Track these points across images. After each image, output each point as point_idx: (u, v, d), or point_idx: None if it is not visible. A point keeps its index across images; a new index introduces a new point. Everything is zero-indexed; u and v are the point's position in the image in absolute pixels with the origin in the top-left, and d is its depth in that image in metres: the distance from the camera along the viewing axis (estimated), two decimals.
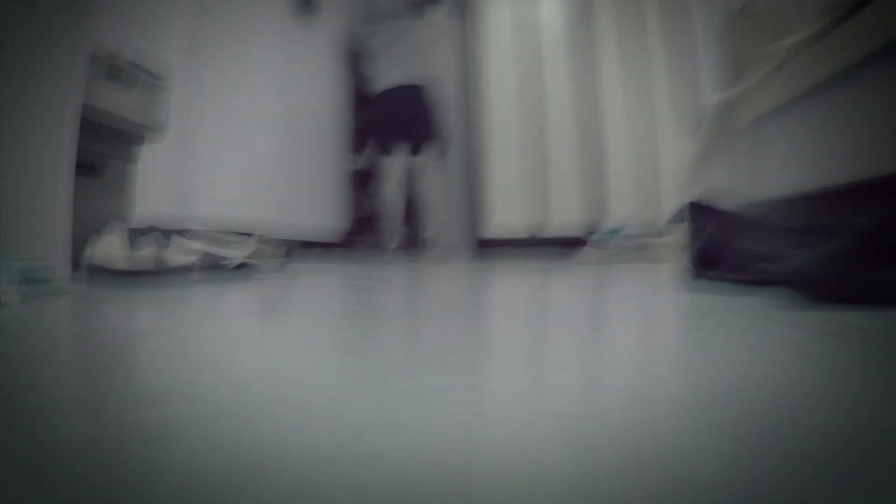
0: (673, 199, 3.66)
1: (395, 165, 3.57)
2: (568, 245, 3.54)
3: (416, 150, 3.56)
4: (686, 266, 1.04)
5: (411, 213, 3.83)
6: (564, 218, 3.88)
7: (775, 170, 1.50)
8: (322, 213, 3.80)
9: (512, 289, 1.24)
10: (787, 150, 1.50)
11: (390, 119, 3.59)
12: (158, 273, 1.49)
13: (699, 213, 1.08)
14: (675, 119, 3.82)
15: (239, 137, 2.92)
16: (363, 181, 4.20)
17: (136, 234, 1.57)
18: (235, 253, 1.77)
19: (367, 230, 4.11)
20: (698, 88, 3.74)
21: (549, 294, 1.09)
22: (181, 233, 1.74)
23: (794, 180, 1.41)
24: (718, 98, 1.61)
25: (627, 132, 3.88)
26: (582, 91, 3.98)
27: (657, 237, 3.01)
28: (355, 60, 4.15)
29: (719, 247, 1.01)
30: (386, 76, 3.64)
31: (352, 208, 4.17)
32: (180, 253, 1.60)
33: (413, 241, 3.94)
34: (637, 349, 0.55)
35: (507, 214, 3.95)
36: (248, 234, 1.94)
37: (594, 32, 4.03)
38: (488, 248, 3.93)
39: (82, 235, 1.43)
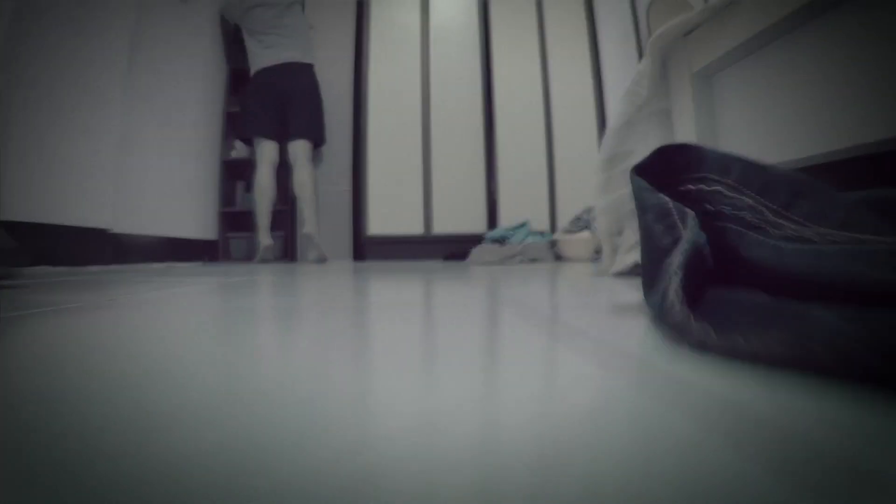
0: (576, 193, 3.21)
1: (268, 152, 2.92)
2: (462, 243, 3.00)
3: (292, 136, 2.93)
4: (651, 306, 0.44)
5: (287, 206, 3.22)
6: (457, 215, 3.29)
7: (756, 129, 0.95)
8: (188, 207, 3.04)
9: (384, 314, 0.62)
10: (775, 100, 0.95)
11: (266, 101, 2.97)
12: None
13: (682, 169, 0.49)
14: (577, 113, 3.32)
15: (83, 115, 2.18)
16: (238, 171, 3.49)
17: None
18: None
19: (240, 226, 3.41)
20: (604, 80, 3.30)
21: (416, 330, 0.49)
22: None
23: (796, 144, 0.87)
24: (664, 28, 1.03)
25: (524, 124, 3.34)
26: (478, 81, 3.42)
27: (564, 235, 2.48)
28: (234, 37, 3.42)
29: (752, 250, 0.43)
30: (266, 55, 3.00)
31: (224, 202, 3.41)
32: None
33: (289, 238, 3.31)
34: None
35: (394, 210, 3.31)
36: None
37: (493, 24, 3.48)
38: (373, 246, 3.31)
39: None
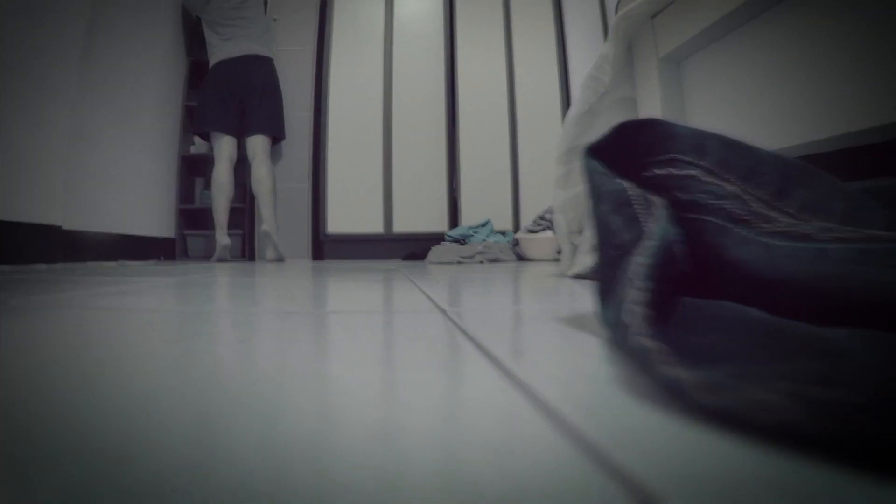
0: (541, 192, 3.12)
1: (225, 148, 2.78)
2: (422, 242, 2.90)
3: (250, 131, 2.80)
4: (605, 324, 0.32)
5: (246, 204, 3.08)
6: (418, 213, 3.17)
7: (734, 117, 0.86)
8: (144, 204, 2.87)
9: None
10: (751, 86, 0.86)
11: (224, 94, 2.83)
12: None
13: (647, 149, 0.39)
14: (543, 111, 3.23)
15: (31, 106, 2.01)
16: (198, 167, 3.33)
17: None
18: None
19: (199, 223, 3.25)
20: (571, 76, 3.22)
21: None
22: None
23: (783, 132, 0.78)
24: (629, 8, 0.93)
25: (489, 121, 3.24)
26: (442, 77, 3.31)
27: (526, 234, 2.38)
28: (196, 29, 3.25)
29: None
30: (224, 47, 2.86)
31: (182, 198, 3.24)
32: None
33: (246, 236, 3.16)
34: None
35: (354, 208, 3.18)
36: None
37: (458, 19, 3.38)
38: (332, 245, 3.18)
39: None
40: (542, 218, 2.36)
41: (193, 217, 3.26)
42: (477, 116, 3.23)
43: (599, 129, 0.98)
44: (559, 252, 2.45)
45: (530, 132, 3.22)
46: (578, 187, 0.96)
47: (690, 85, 0.94)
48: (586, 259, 0.93)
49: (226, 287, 0.96)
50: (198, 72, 3.26)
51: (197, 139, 3.20)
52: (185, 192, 3.26)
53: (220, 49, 2.92)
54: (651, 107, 0.97)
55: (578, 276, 0.97)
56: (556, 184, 0.99)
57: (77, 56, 2.31)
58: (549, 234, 2.30)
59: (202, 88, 2.95)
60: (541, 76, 3.28)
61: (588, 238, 0.96)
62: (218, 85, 2.88)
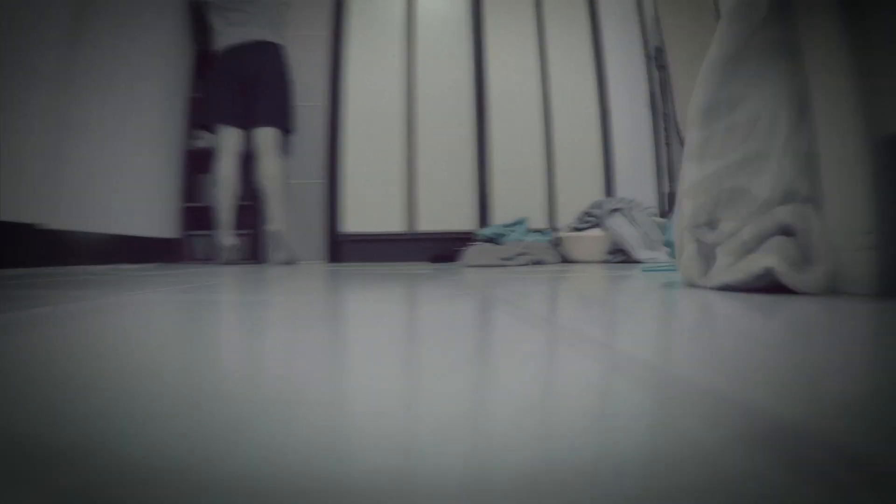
0: (578, 188, 2.85)
1: (231, 141, 2.53)
2: (449, 242, 2.62)
3: (258, 123, 2.55)
4: None
5: (254, 200, 2.81)
6: (445, 211, 2.91)
7: None
8: (144, 202, 2.61)
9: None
10: None
11: (230, 83, 2.60)
12: None
13: None
14: (578, 100, 2.96)
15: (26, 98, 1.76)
16: (205, 163, 3.05)
17: None
18: None
19: (206, 223, 2.98)
20: (605, 63, 2.96)
21: None
22: None
23: None
24: None
25: (520, 111, 2.97)
26: (469, 64, 3.04)
27: (571, 233, 2.11)
28: (200, 13, 2.99)
29: None
30: (231, 32, 2.62)
31: (187, 196, 2.97)
32: None
33: (256, 236, 2.90)
34: None
35: (374, 206, 2.92)
36: None
37: (485, 2, 3.08)
38: (350, 245, 2.91)
39: None
40: (588, 214, 2.09)
41: (201, 216, 3.00)
42: (507, 108, 2.97)
43: (747, 80, 0.69)
44: (611, 252, 2.18)
45: (565, 123, 2.96)
46: (720, 160, 0.68)
47: (887, 20, 0.65)
48: (742, 264, 0.65)
49: (230, 318, 0.69)
50: (206, 62, 3.00)
51: (202, 130, 2.94)
52: (191, 190, 3.00)
53: (226, 35, 2.67)
54: (823, 53, 0.67)
55: (724, 287, 0.68)
56: (688, 154, 0.71)
57: (60, 35, 2.03)
58: (596, 232, 2.02)
59: (208, 78, 2.71)
60: (575, 66, 3.02)
61: (736, 232, 0.68)
62: (223, 73, 2.64)
